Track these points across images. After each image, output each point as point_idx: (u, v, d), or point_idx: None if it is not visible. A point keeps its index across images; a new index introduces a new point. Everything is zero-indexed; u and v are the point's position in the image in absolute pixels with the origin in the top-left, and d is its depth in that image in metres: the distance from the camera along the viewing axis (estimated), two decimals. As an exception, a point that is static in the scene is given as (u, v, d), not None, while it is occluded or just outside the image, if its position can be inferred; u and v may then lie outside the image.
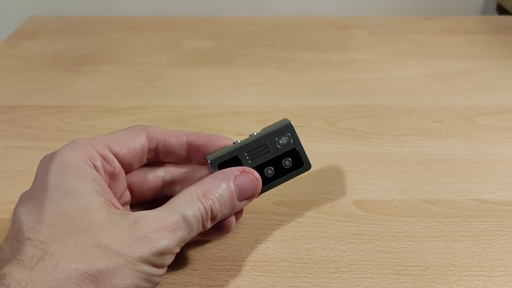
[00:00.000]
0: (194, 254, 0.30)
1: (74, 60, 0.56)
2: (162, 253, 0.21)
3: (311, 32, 0.64)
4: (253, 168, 0.27)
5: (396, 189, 0.36)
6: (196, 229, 0.23)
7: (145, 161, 0.27)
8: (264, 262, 0.30)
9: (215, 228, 0.26)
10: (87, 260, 0.20)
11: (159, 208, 0.23)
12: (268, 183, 0.28)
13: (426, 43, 0.60)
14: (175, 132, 0.27)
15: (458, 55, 0.57)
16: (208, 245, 0.31)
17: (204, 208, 0.23)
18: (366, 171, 0.38)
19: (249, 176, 0.25)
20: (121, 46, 0.60)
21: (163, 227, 0.22)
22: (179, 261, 0.30)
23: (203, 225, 0.23)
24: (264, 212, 0.34)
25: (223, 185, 0.24)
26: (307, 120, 0.44)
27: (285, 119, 0.28)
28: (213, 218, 0.24)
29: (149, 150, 0.26)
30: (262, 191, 0.27)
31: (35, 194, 0.22)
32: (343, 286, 0.28)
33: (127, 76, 0.53)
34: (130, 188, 0.27)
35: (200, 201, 0.23)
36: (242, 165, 0.27)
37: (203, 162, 0.28)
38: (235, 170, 0.25)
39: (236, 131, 0.43)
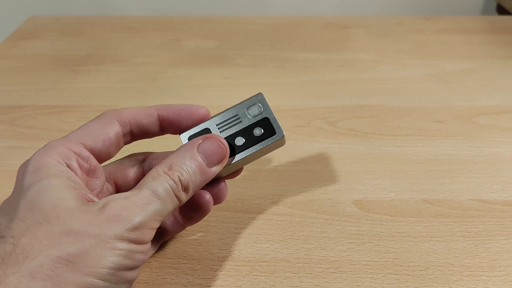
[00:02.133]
0: (194, 254, 0.30)
1: (74, 60, 0.56)
2: (136, 228, 0.21)
3: (311, 32, 0.64)
4: (224, 138, 0.27)
5: (396, 189, 0.36)
6: (171, 201, 0.23)
7: (122, 145, 0.27)
8: (264, 262, 0.30)
9: (194, 209, 0.27)
10: (58, 246, 0.20)
11: (130, 190, 0.23)
12: (240, 151, 0.27)
13: (426, 43, 0.60)
14: (146, 110, 0.27)
15: (458, 55, 0.57)
16: (208, 245, 0.31)
17: (172, 180, 0.23)
18: (366, 171, 0.38)
19: (213, 140, 0.25)
20: (121, 46, 0.60)
21: (133, 203, 0.22)
22: (179, 261, 0.30)
23: (177, 196, 0.23)
24: (264, 212, 0.34)
25: (187, 155, 0.24)
26: (307, 120, 0.44)
27: (258, 92, 0.28)
28: (185, 188, 0.24)
29: (124, 134, 0.27)
30: (236, 160, 0.27)
31: (12, 197, 0.22)
32: (343, 286, 0.28)
33: (127, 76, 0.53)
34: (115, 182, 0.28)
35: (167, 174, 0.23)
36: None
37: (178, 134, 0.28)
38: (198, 138, 0.25)
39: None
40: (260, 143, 0.27)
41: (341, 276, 0.29)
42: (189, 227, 0.32)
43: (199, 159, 0.24)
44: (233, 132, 0.27)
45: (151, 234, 0.22)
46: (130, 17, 0.69)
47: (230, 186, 0.35)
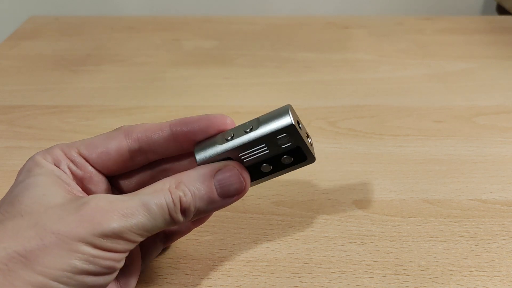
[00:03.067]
0: (194, 254, 0.30)
1: (74, 60, 0.56)
2: (106, 236, 0.20)
3: (311, 32, 0.64)
4: (247, 166, 0.24)
5: (396, 189, 0.36)
6: (162, 219, 0.21)
7: (131, 164, 0.25)
8: (264, 262, 0.30)
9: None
10: (19, 240, 0.19)
11: (125, 194, 0.22)
12: (263, 176, 0.25)
13: (426, 43, 0.60)
14: (158, 125, 0.25)
15: (458, 55, 0.57)
16: (208, 245, 0.31)
17: (172, 199, 0.21)
18: (366, 171, 0.38)
19: (234, 171, 0.23)
20: (121, 46, 0.60)
21: (114, 209, 0.20)
22: (179, 261, 0.30)
23: (172, 216, 0.21)
24: (264, 212, 0.34)
25: (201, 178, 0.22)
26: (307, 120, 0.44)
27: (285, 111, 0.24)
28: (183, 210, 0.22)
29: (132, 151, 0.24)
30: (256, 184, 0.25)
31: (6, 195, 0.22)
32: (343, 286, 0.28)
33: (127, 76, 0.53)
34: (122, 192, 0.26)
35: (170, 191, 0.22)
36: None
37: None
38: (220, 163, 0.23)
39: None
40: (288, 168, 0.25)
41: (341, 276, 0.29)
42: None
43: (212, 186, 0.22)
44: (259, 161, 0.24)
45: (127, 246, 0.21)
46: (130, 17, 0.69)
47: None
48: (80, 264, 0.19)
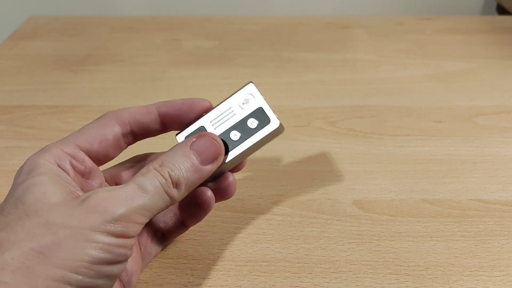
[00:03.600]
0: (194, 254, 0.30)
1: (74, 60, 0.56)
2: (117, 220, 0.20)
3: (311, 32, 0.64)
4: (219, 134, 0.26)
5: (396, 189, 0.36)
6: (160, 197, 0.22)
7: (124, 147, 0.27)
8: (264, 262, 0.30)
9: (196, 207, 0.27)
10: (32, 238, 0.19)
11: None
12: (236, 145, 0.26)
13: (426, 43, 0.60)
14: (145, 108, 0.27)
15: (458, 55, 0.57)
16: (208, 245, 0.31)
17: (162, 175, 0.23)
18: (366, 171, 0.38)
19: (206, 138, 0.25)
20: (121, 46, 0.60)
21: (116, 197, 0.21)
22: (179, 261, 0.30)
23: (168, 193, 0.22)
24: (264, 212, 0.34)
25: (180, 152, 0.24)
26: (307, 120, 0.44)
27: (249, 81, 0.27)
28: (176, 185, 0.23)
29: (124, 135, 0.26)
30: (234, 156, 0.26)
31: (5, 198, 0.22)
32: (343, 286, 0.28)
33: (127, 76, 0.53)
34: (116, 184, 0.27)
35: (157, 170, 0.23)
36: None
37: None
38: (192, 137, 0.25)
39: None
40: (256, 135, 0.26)
41: (341, 276, 0.29)
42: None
43: (192, 156, 0.24)
44: (228, 127, 0.26)
45: (135, 228, 0.21)
46: (130, 17, 0.69)
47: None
48: (97, 253, 0.19)
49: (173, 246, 0.31)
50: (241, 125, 0.26)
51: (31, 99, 0.48)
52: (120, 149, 0.27)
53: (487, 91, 0.49)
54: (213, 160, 0.25)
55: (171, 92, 0.50)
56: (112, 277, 0.21)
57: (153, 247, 0.28)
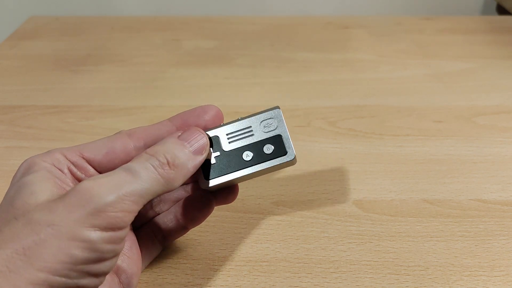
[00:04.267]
0: (194, 254, 0.31)
1: (74, 60, 0.56)
2: (102, 211, 0.19)
3: (311, 32, 0.64)
4: (231, 149, 0.26)
5: (396, 189, 0.36)
6: (154, 180, 0.21)
7: None
8: (264, 262, 0.30)
9: (196, 209, 0.27)
10: (15, 239, 0.18)
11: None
12: (245, 166, 0.25)
13: (426, 43, 0.60)
14: (159, 123, 0.26)
15: (458, 55, 0.57)
16: (208, 245, 0.31)
17: (155, 158, 0.22)
18: (366, 171, 0.38)
19: (192, 128, 0.24)
20: (121, 46, 0.60)
21: (101, 184, 0.20)
22: (179, 261, 0.30)
23: (163, 175, 0.21)
24: (264, 212, 0.34)
25: (169, 140, 0.23)
26: (307, 120, 0.44)
27: (276, 106, 0.26)
28: (173, 165, 0.22)
29: (137, 149, 0.25)
30: (240, 175, 0.26)
31: (3, 200, 0.22)
32: (343, 286, 0.28)
33: (127, 76, 0.53)
34: None
35: (148, 153, 0.22)
36: (220, 147, 0.26)
37: None
38: (178, 131, 0.25)
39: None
40: (268, 162, 0.25)
41: (341, 276, 0.29)
42: (189, 227, 0.32)
43: (183, 142, 0.23)
44: (243, 145, 0.26)
45: (126, 218, 0.20)
46: (130, 17, 0.69)
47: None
48: (81, 253, 0.18)
49: (173, 246, 0.31)
50: (256, 148, 0.26)
51: (31, 99, 0.48)
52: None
53: (487, 91, 0.49)
54: (201, 150, 0.24)
55: (171, 92, 0.50)
56: (100, 275, 0.20)
57: (153, 249, 0.28)
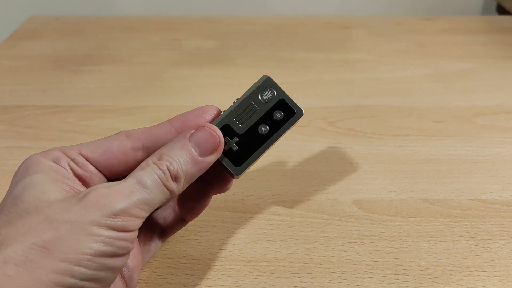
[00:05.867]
0: (194, 254, 0.31)
1: (74, 60, 0.56)
2: (117, 215, 0.21)
3: (311, 32, 0.64)
4: (246, 130, 0.27)
5: (396, 189, 0.36)
6: (159, 191, 0.22)
7: (132, 161, 0.26)
8: (264, 262, 0.30)
9: (193, 200, 0.27)
10: (33, 234, 0.19)
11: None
12: (266, 140, 0.27)
13: (426, 43, 0.60)
14: (158, 124, 0.27)
15: (458, 55, 0.57)
16: (208, 245, 0.31)
17: (160, 169, 0.23)
18: (366, 171, 0.38)
19: (205, 129, 0.25)
20: (121, 46, 0.60)
21: (115, 192, 0.21)
22: (179, 261, 0.30)
23: (167, 187, 0.23)
24: (264, 212, 0.34)
25: (178, 145, 0.24)
26: (307, 120, 0.44)
27: (263, 75, 0.28)
28: (175, 178, 0.23)
29: (134, 149, 0.25)
30: (267, 147, 0.27)
31: (6, 196, 0.22)
32: (343, 286, 0.28)
33: (127, 76, 0.53)
34: None
35: (155, 164, 0.23)
36: (236, 133, 0.27)
37: None
38: (191, 129, 0.25)
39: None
40: (284, 126, 0.27)
41: (341, 276, 0.29)
42: (189, 227, 0.32)
43: (190, 148, 0.24)
44: (254, 121, 0.27)
45: (136, 222, 0.22)
46: (130, 17, 0.69)
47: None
48: (99, 246, 0.20)
49: (173, 246, 0.31)
50: (267, 119, 0.27)
51: (31, 99, 0.48)
52: (126, 163, 0.26)
53: (487, 91, 0.49)
54: (212, 151, 0.25)
55: (171, 92, 0.50)
56: (115, 270, 0.21)
57: (153, 243, 0.28)
